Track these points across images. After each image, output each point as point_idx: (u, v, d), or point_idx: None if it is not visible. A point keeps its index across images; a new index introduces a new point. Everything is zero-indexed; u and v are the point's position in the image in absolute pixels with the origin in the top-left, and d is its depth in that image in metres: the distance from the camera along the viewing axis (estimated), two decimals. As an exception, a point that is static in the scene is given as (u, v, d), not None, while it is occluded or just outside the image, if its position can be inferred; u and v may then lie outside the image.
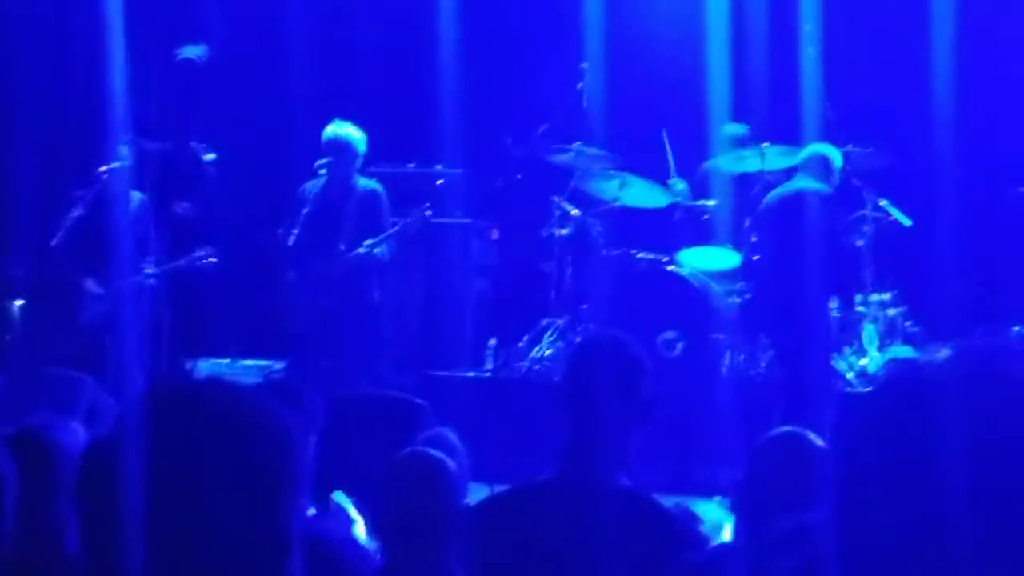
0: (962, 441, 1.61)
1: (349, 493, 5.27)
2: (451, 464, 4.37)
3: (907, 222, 10.83)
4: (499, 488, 4.50)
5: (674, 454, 9.70)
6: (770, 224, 10.13)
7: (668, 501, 4.80)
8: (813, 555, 2.71)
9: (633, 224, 11.33)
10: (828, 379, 10.00)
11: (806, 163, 10.17)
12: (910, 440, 1.65)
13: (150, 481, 2.02)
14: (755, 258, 10.49)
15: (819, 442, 4.23)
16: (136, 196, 10.69)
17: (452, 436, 5.37)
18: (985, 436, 1.62)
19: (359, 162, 10.71)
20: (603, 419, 4.22)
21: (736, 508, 4.62)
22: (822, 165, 10.05)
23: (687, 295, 10.66)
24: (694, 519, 5.04)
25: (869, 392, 1.79)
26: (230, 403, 2.09)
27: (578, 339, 10.05)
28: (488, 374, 11.30)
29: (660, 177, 11.49)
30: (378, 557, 4.48)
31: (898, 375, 1.78)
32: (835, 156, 10.13)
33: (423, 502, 4.23)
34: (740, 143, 11.25)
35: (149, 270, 10.49)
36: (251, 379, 9.75)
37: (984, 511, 1.58)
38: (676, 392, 10.22)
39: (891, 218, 10.84)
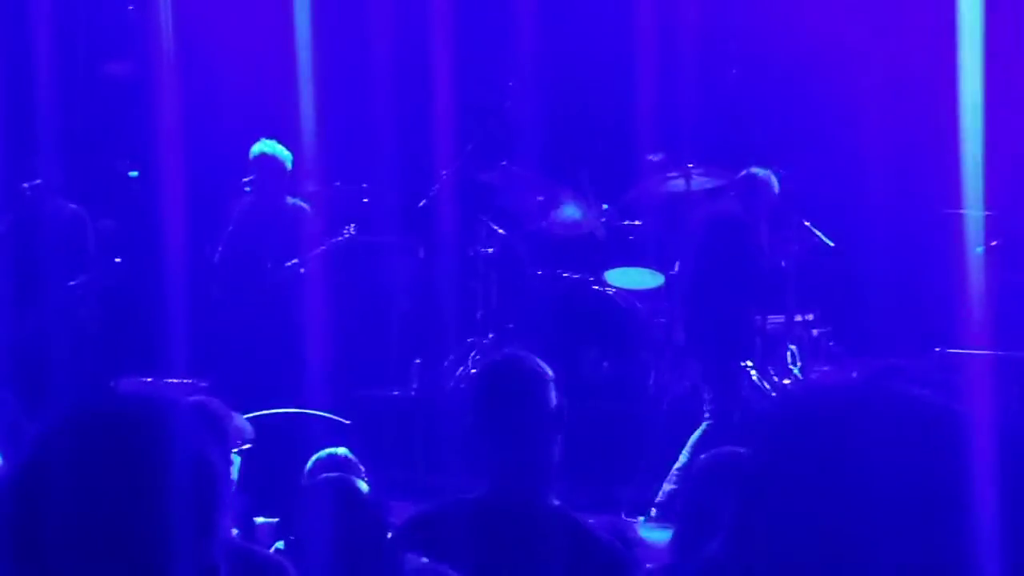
0: (855, 462, 1.62)
1: (271, 515, 5.25)
2: (364, 487, 4.38)
3: (830, 243, 10.91)
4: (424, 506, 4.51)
5: (601, 473, 9.72)
6: (695, 245, 10.17)
7: (597, 520, 4.80)
8: None
9: (559, 243, 11.35)
10: (753, 398, 10.05)
11: (734, 184, 10.23)
12: (806, 461, 1.67)
13: (69, 507, 1.99)
14: (673, 272, 10.58)
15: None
16: (69, 208, 10.63)
17: (349, 456, 5.36)
18: (875, 459, 1.63)
19: (285, 180, 10.68)
20: (518, 436, 4.26)
21: (673, 529, 4.64)
22: (750, 186, 10.10)
23: (613, 314, 10.69)
24: (627, 541, 5.05)
25: (771, 412, 1.80)
26: (152, 425, 2.06)
27: (473, 369, 10.12)
28: (413, 393, 11.27)
29: (585, 194, 11.51)
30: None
31: (796, 396, 1.80)
32: (766, 177, 10.18)
33: (343, 526, 4.23)
34: (663, 166, 11.28)
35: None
36: (175, 398, 9.67)
37: (875, 534, 1.59)
38: (603, 410, 10.24)
39: (816, 239, 10.91)
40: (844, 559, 1.58)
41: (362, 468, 5.32)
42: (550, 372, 4.34)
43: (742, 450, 4.38)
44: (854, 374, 9.59)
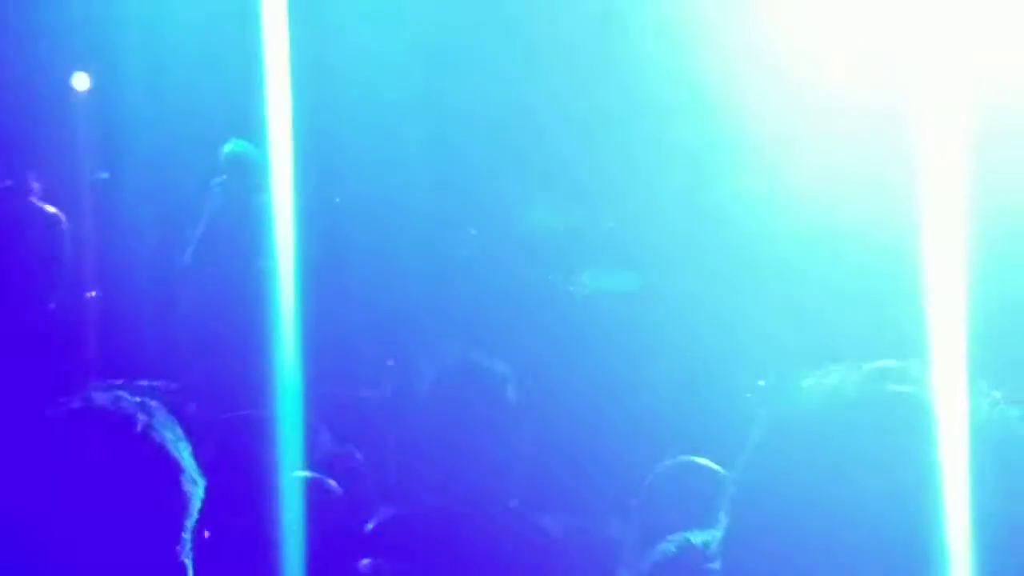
0: (846, 466, 1.62)
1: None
2: (338, 489, 4.37)
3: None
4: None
5: (566, 475, 9.71)
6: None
7: (560, 524, 4.80)
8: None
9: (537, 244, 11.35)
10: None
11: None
12: (797, 468, 1.66)
13: (32, 509, 1.98)
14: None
15: (717, 468, 4.25)
16: (45, 212, 10.61)
17: (356, 455, 5.36)
18: (865, 462, 1.63)
19: (256, 180, 10.65)
20: (477, 438, 4.26)
21: (630, 534, 4.63)
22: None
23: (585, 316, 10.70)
24: (586, 544, 5.04)
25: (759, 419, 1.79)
26: (119, 431, 2.06)
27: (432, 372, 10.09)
28: (386, 394, 11.23)
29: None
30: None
31: (783, 403, 1.79)
32: None
33: (320, 527, 4.22)
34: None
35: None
36: (142, 401, 9.64)
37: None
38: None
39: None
40: (834, 561, 1.58)
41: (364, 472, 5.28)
42: (510, 373, 4.33)
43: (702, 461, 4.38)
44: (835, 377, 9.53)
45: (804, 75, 10.95)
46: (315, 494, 4.36)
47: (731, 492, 1.75)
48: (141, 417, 2.16)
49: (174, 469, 2.12)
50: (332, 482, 4.38)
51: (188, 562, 2.11)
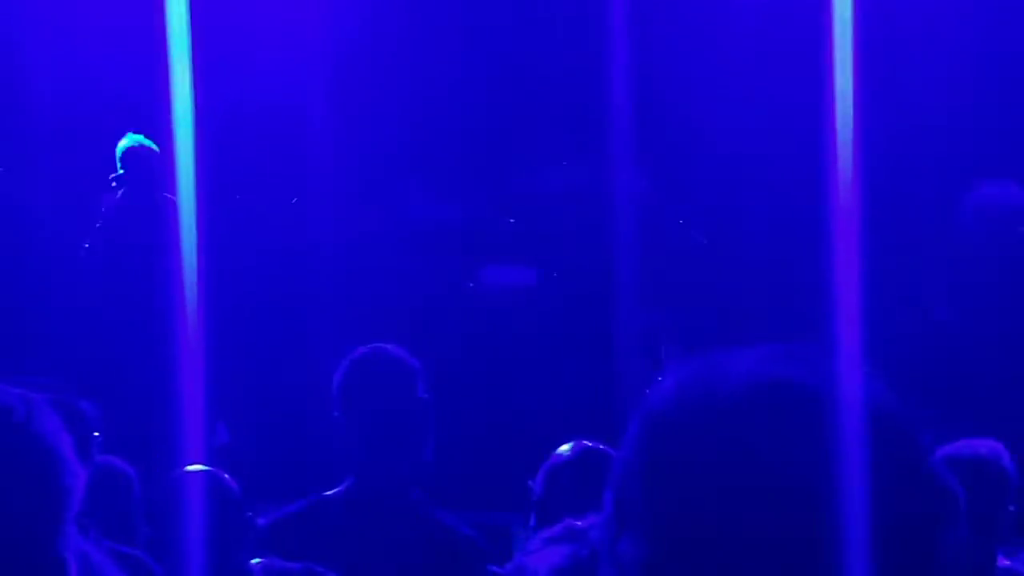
0: (749, 455, 1.60)
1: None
2: (232, 482, 4.33)
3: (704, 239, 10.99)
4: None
5: (474, 468, 9.73)
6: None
7: (468, 516, 4.79)
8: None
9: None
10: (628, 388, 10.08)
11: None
12: (701, 455, 1.64)
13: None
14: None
15: (613, 453, 4.24)
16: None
17: (251, 448, 5.31)
18: (768, 450, 1.62)
19: (156, 174, 10.57)
20: (384, 428, 4.24)
21: (532, 524, 4.62)
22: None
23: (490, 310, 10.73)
24: (487, 538, 5.02)
25: (657, 405, 1.77)
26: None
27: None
28: (290, 387, 11.17)
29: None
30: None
31: (681, 388, 1.76)
32: None
33: (209, 522, 4.18)
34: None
35: None
36: (23, 393, 9.53)
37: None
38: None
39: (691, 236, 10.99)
40: (741, 551, 1.57)
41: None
42: (417, 364, 4.32)
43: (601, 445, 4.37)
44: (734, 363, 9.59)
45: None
46: (210, 488, 4.31)
47: (613, 475, 1.73)
48: (21, 408, 2.12)
49: (54, 461, 2.08)
50: (226, 476, 4.34)
51: (68, 556, 2.07)
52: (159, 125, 10.98)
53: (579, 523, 2.92)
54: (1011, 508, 5.26)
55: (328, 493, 4.33)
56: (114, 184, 10.61)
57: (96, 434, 4.87)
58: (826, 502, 1.55)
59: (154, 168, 10.52)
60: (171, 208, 10.57)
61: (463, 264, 11.13)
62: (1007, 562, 5.25)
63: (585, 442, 4.54)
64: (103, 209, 10.57)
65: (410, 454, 4.31)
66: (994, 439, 5.45)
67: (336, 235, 11.57)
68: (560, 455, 4.45)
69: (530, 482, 4.48)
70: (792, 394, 1.61)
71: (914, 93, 11.14)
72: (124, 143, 10.54)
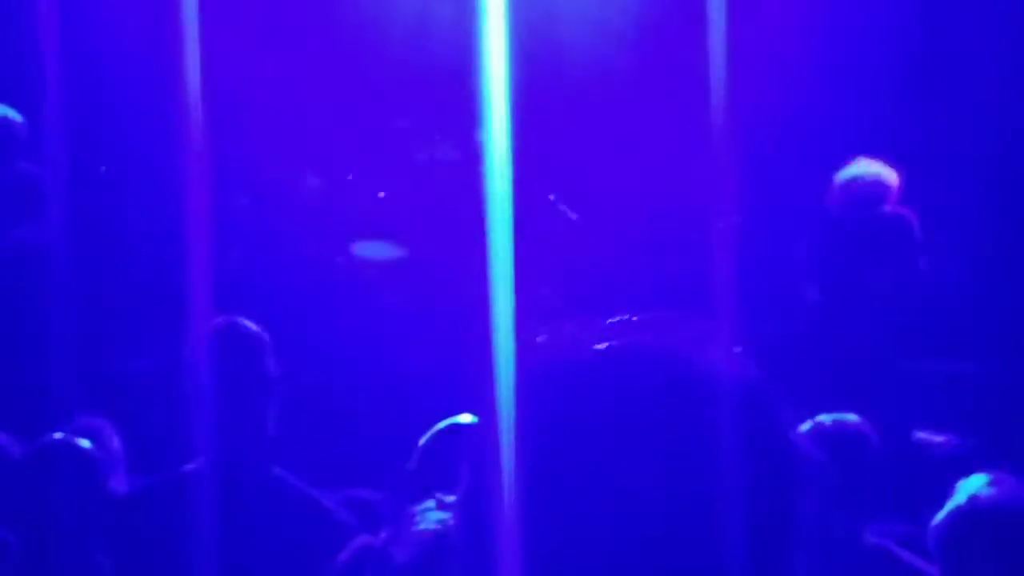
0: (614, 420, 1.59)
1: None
2: (95, 452, 4.25)
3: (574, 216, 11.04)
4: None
5: (341, 445, 9.70)
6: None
7: (331, 492, 4.75)
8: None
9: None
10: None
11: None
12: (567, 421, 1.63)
13: None
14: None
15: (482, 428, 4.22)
16: None
17: (105, 426, 5.24)
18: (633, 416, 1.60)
19: (14, 144, 10.38)
20: (234, 401, 4.20)
21: (402, 499, 4.61)
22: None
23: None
24: (356, 513, 5.01)
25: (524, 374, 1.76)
26: None
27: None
28: (157, 363, 11.05)
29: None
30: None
31: (548, 358, 1.76)
32: None
33: (64, 492, 4.11)
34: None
35: None
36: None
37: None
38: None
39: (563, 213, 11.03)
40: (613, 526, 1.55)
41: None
42: (268, 338, 4.28)
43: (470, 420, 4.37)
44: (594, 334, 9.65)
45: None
46: (68, 459, 4.23)
47: (476, 444, 1.71)
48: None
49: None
50: (85, 443, 4.26)
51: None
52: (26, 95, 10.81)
53: (448, 497, 2.90)
54: (878, 484, 5.32)
55: (182, 468, 4.29)
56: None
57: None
58: (689, 464, 1.54)
59: (13, 136, 10.30)
60: (32, 182, 10.38)
61: (333, 238, 11.09)
62: (876, 540, 5.30)
63: (456, 417, 4.55)
64: None
65: (252, 427, 4.27)
66: (860, 416, 5.51)
67: (202, 207, 11.43)
68: (433, 430, 4.46)
69: (400, 458, 4.46)
70: (658, 358, 1.60)
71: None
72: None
